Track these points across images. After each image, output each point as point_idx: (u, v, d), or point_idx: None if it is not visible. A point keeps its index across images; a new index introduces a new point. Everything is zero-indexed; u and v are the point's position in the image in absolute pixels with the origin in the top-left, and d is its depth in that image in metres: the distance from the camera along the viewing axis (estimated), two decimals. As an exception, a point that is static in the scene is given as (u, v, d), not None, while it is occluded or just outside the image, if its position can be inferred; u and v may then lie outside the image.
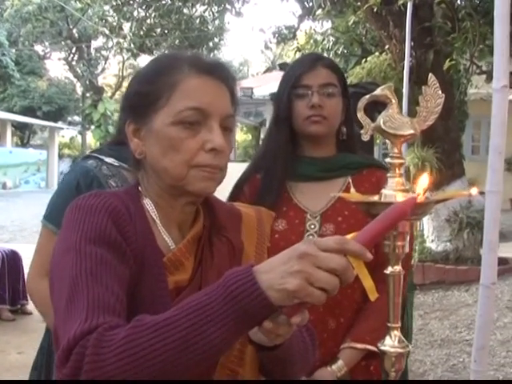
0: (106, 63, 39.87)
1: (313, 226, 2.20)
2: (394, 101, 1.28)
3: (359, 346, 2.12)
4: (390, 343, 1.25)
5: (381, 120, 1.27)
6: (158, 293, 1.30)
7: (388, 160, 1.28)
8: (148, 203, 1.40)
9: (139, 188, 1.44)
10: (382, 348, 1.25)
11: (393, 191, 1.24)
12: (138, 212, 1.36)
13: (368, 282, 1.11)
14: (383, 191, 1.25)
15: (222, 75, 1.39)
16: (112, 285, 1.19)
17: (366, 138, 1.30)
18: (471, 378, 2.85)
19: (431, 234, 9.22)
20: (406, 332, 2.47)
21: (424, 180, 1.15)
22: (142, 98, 1.38)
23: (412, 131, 1.26)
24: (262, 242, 1.55)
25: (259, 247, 1.53)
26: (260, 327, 1.12)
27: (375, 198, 1.28)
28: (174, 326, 1.06)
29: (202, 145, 1.33)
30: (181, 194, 1.38)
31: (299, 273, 1.04)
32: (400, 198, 1.21)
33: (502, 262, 7.80)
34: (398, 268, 1.24)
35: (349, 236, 1.11)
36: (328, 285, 1.05)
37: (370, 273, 1.12)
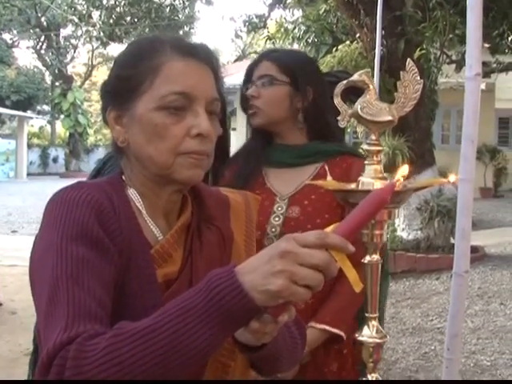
0: (75, 52, 39.41)
1: (280, 208, 2.26)
2: (371, 86, 1.26)
3: (318, 326, 2.15)
4: (368, 333, 1.23)
5: (358, 106, 1.24)
6: (146, 287, 1.25)
7: (365, 147, 1.25)
8: (133, 193, 1.36)
9: (123, 177, 1.39)
10: (360, 338, 1.23)
11: (371, 179, 1.22)
12: (122, 203, 1.31)
13: (352, 274, 1.08)
14: (361, 179, 1.23)
15: (206, 57, 1.35)
16: (94, 287, 1.15)
17: (343, 124, 1.28)
18: (444, 366, 2.85)
19: (402, 222, 9.29)
20: (380, 321, 2.48)
21: (404, 168, 1.13)
22: (124, 82, 1.33)
23: (390, 117, 1.24)
24: (250, 229, 1.52)
25: (248, 235, 1.50)
26: (246, 327, 1.09)
27: (352, 185, 1.25)
28: (156, 334, 1.03)
29: (187, 130, 1.29)
30: (167, 183, 1.34)
31: (282, 272, 1.01)
32: (378, 185, 1.19)
33: (473, 250, 7.89)
34: (375, 257, 1.22)
35: (328, 228, 1.09)
36: (312, 281, 1.03)
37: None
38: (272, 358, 1.30)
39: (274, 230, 2.21)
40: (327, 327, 2.14)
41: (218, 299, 1.03)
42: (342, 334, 2.16)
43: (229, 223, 1.47)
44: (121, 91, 1.33)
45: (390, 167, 7.99)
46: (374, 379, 1.23)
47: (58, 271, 1.14)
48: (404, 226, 9.28)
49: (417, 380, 5.13)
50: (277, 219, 2.23)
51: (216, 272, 1.07)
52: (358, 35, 9.40)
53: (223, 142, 2.49)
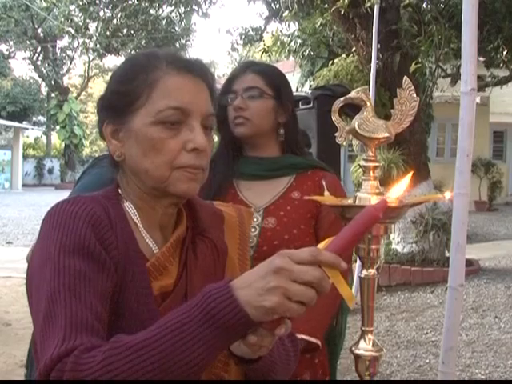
0: (71, 63, 39.48)
1: (255, 220, 2.29)
2: (368, 104, 1.28)
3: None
4: (364, 347, 1.24)
5: (355, 123, 1.26)
6: (142, 299, 1.27)
7: (362, 163, 1.27)
8: (129, 206, 1.38)
9: (119, 191, 1.41)
10: (357, 352, 1.24)
11: (367, 194, 1.24)
12: (118, 216, 1.33)
13: (345, 290, 1.11)
14: (358, 194, 1.25)
15: (201, 72, 1.37)
16: (91, 301, 1.16)
17: (340, 140, 1.30)
18: (439, 379, 2.86)
19: (397, 235, 9.29)
20: (340, 332, 2.53)
21: (401, 184, 1.15)
22: (120, 97, 1.35)
23: (387, 134, 1.26)
24: (244, 243, 1.54)
25: (242, 248, 1.52)
26: (243, 340, 1.11)
27: (349, 201, 1.27)
28: (152, 348, 1.04)
29: (183, 145, 1.31)
30: (163, 196, 1.35)
31: (276, 289, 1.04)
32: (374, 201, 1.20)
33: (468, 263, 7.89)
34: (372, 271, 1.23)
35: (321, 244, 1.12)
36: (305, 298, 1.05)
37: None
38: (267, 370, 1.32)
39: (250, 240, 2.23)
40: (305, 336, 2.15)
41: (213, 314, 1.05)
42: (319, 342, 2.19)
43: (223, 236, 1.49)
44: (117, 106, 1.35)
45: (386, 180, 8.03)
46: (370, 392, 1.25)
47: (56, 284, 1.16)
48: (399, 239, 9.29)
49: (415, 380, 5.14)
50: (253, 230, 2.25)
51: (212, 287, 1.08)
52: (353, 49, 9.44)
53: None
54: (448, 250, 8.38)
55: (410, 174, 1.26)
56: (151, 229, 1.38)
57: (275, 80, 2.38)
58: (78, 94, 40.26)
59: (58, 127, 35.53)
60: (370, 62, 7.84)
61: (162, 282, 1.32)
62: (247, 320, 1.05)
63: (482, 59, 12.95)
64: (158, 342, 1.05)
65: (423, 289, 8.33)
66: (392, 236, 9.27)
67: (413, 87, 1.28)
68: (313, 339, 2.17)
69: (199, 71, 1.37)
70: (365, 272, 1.23)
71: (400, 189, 1.18)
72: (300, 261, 1.06)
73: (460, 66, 2.79)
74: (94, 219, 1.26)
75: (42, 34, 35.59)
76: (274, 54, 12.76)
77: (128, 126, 1.34)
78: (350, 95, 1.28)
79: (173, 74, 1.33)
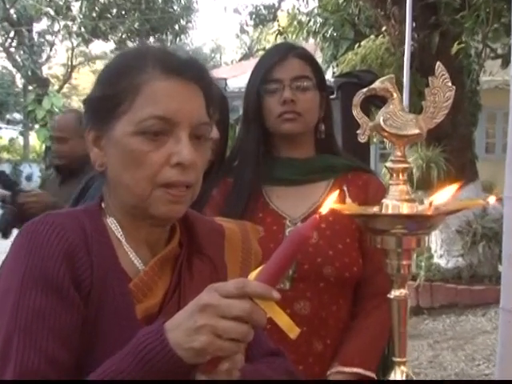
0: (51, 50, 39.53)
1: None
2: (395, 95, 1.28)
3: (347, 369, 2.19)
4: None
5: (381, 118, 1.27)
6: (124, 323, 1.32)
7: (389, 164, 1.28)
8: (112, 222, 1.42)
9: (102, 205, 1.45)
10: (387, 387, 1.25)
11: (396, 201, 1.25)
12: (98, 234, 1.37)
13: (283, 320, 1.17)
14: (385, 201, 1.26)
15: (195, 75, 1.40)
16: (47, 345, 1.24)
17: (363, 138, 1.31)
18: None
19: (440, 247, 9.25)
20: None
21: (446, 192, 1.16)
22: (103, 102, 1.39)
23: (417, 130, 1.27)
24: (247, 261, 1.58)
25: (244, 268, 1.56)
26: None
27: (375, 209, 1.28)
28: None
29: (167, 158, 1.34)
30: (144, 217, 1.39)
31: (203, 327, 1.12)
32: (405, 209, 1.22)
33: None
34: (403, 291, 1.25)
35: (252, 274, 1.18)
36: (237, 334, 1.13)
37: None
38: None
39: None
40: (360, 370, 2.17)
41: (146, 360, 1.15)
42: (374, 376, 2.21)
43: (223, 254, 1.54)
44: (100, 111, 1.40)
45: (424, 183, 8.01)
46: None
47: (13, 324, 1.24)
48: (442, 252, 9.25)
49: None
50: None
51: (145, 330, 1.18)
52: (384, 28, 9.43)
53: (221, 157, 2.53)
54: (502, 263, 8.36)
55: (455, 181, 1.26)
56: (138, 245, 1.42)
57: (319, 67, 2.41)
58: (61, 87, 40.30)
59: (36, 126, 35.59)
60: (404, 44, 7.84)
61: (146, 303, 1.37)
62: (181, 364, 1.14)
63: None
64: None
65: (473, 311, 8.30)
66: (434, 248, 9.24)
67: (447, 74, 1.28)
68: (368, 373, 2.19)
69: (192, 74, 1.39)
70: (395, 292, 1.25)
71: (445, 196, 1.20)
72: (227, 294, 1.13)
73: None
74: (66, 245, 1.30)
75: (15, 16, 35.73)
76: (290, 35, 12.77)
77: (110, 134, 1.38)
78: (373, 86, 1.29)
79: (160, 77, 1.36)
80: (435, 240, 9.18)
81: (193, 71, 1.40)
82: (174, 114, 1.34)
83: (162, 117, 1.34)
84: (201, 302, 1.14)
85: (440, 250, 9.29)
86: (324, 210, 1.19)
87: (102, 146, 1.40)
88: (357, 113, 1.31)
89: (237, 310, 1.12)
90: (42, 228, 1.31)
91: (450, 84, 1.29)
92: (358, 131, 1.31)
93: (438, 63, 1.30)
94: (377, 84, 1.29)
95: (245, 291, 1.13)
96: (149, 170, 1.34)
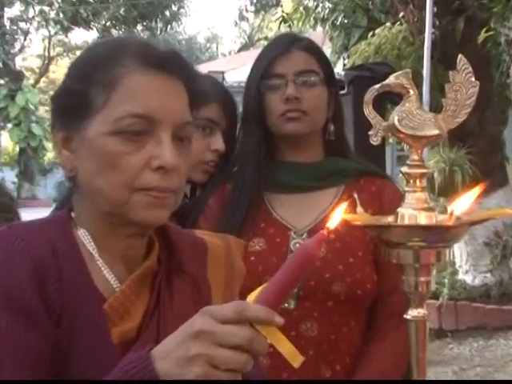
0: (25, 40, 39.53)
1: (298, 246, 2.26)
2: (412, 92, 1.29)
3: None
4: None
5: (395, 117, 1.28)
6: (99, 349, 1.32)
7: (405, 169, 1.29)
8: (83, 234, 1.42)
9: (72, 214, 1.45)
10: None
11: (413, 210, 1.25)
12: (68, 248, 1.37)
13: (286, 348, 1.16)
14: (400, 210, 1.26)
15: (178, 69, 1.40)
16: (7, 373, 1.22)
17: (376, 141, 1.31)
18: None
19: (465, 262, 9.23)
20: None
21: (468, 197, 1.17)
22: (74, 98, 1.39)
23: (436, 131, 1.27)
24: (231, 279, 1.60)
25: (228, 286, 1.58)
26: None
27: (389, 219, 1.29)
28: None
29: (147, 161, 1.35)
30: (122, 224, 1.39)
31: (198, 357, 1.11)
32: (423, 219, 1.22)
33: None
34: (421, 311, 1.25)
35: (252, 295, 1.18)
36: (236, 364, 1.12)
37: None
38: None
39: None
40: None
41: None
42: None
43: (205, 271, 1.55)
44: (70, 108, 1.40)
45: (447, 189, 7.99)
46: None
47: None
48: (468, 268, 9.23)
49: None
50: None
51: (130, 358, 1.16)
52: (401, 14, 9.43)
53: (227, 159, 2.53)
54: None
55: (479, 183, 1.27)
56: (113, 261, 1.42)
57: (327, 60, 2.43)
58: (37, 81, 40.32)
59: (9, 125, 35.61)
60: (424, 32, 7.83)
61: (123, 326, 1.37)
62: None
63: None
64: None
65: (504, 334, 8.27)
66: (458, 263, 9.23)
67: (470, 68, 1.29)
68: None
69: (174, 68, 1.40)
70: (412, 312, 1.25)
71: (467, 203, 1.21)
72: (224, 319, 1.13)
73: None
74: (34, 260, 1.30)
75: (-17, 1, 35.77)
76: (295, 23, 12.79)
77: (82, 134, 1.38)
78: (386, 81, 1.29)
79: (139, 71, 1.37)
80: (460, 254, 9.14)
81: (175, 65, 1.40)
82: (155, 111, 1.35)
83: (142, 115, 1.34)
84: (194, 328, 1.13)
85: (465, 265, 9.26)
86: (332, 224, 1.19)
87: (72, 148, 1.40)
88: (369, 112, 1.31)
89: (236, 338, 1.11)
90: (8, 240, 1.31)
91: (473, 79, 1.29)
92: (369, 132, 1.32)
93: (460, 56, 1.30)
94: (391, 79, 1.30)
95: (245, 316, 1.12)
96: (127, 174, 1.34)
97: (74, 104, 1.38)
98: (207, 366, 1.10)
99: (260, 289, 1.18)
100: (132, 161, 1.34)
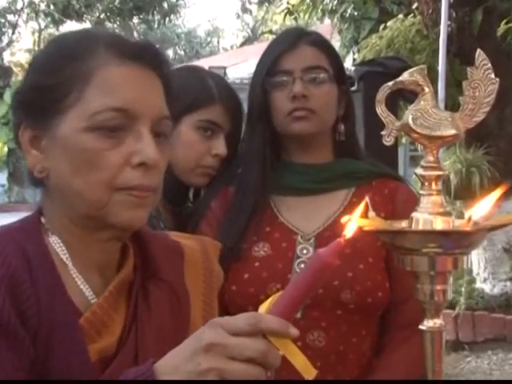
0: (13, 33, 39.54)
1: (305, 252, 2.29)
2: (427, 89, 1.29)
3: None
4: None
5: (410, 116, 1.28)
6: (76, 368, 1.31)
7: (419, 171, 1.29)
8: (55, 241, 1.40)
9: (42, 220, 1.44)
10: None
11: (428, 215, 1.25)
12: (39, 257, 1.35)
13: (300, 361, 1.17)
14: (415, 215, 1.27)
15: (153, 62, 1.41)
16: None
17: (389, 141, 1.31)
18: None
19: (483, 270, 9.21)
20: None
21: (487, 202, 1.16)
22: (43, 93, 1.37)
23: (453, 131, 1.27)
24: (210, 286, 1.59)
25: (207, 293, 1.58)
26: None
27: (403, 224, 1.29)
28: None
29: (127, 158, 1.34)
30: (100, 228, 1.38)
31: (210, 372, 1.11)
32: (439, 224, 1.23)
33: None
34: (438, 322, 1.25)
35: (264, 305, 1.18)
36: (249, 377, 1.12)
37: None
38: None
39: None
40: None
41: None
42: None
43: (183, 278, 1.54)
44: (39, 104, 1.38)
45: (464, 191, 7.97)
46: None
47: None
48: (486, 275, 9.21)
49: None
50: (303, 266, 2.24)
51: (131, 372, 1.16)
52: (415, 5, 9.42)
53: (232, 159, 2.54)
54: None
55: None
56: (87, 270, 1.41)
57: (336, 55, 2.44)
58: (26, 77, 40.25)
59: (-3, 125, 35.61)
60: (439, 24, 7.81)
61: (101, 343, 1.36)
62: None
63: None
64: None
65: (525, 346, 8.26)
66: (475, 270, 9.21)
67: (489, 64, 1.28)
68: None
69: (150, 60, 1.40)
70: (428, 323, 1.26)
71: (486, 207, 1.21)
72: (236, 331, 1.13)
73: None
74: (10, 277, 1.28)
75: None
76: (301, 15, 12.77)
77: (53, 132, 1.36)
78: (400, 78, 1.29)
79: (114, 63, 1.36)
80: (477, 260, 9.12)
81: (151, 56, 1.41)
82: (134, 105, 1.35)
83: (120, 108, 1.34)
84: (204, 341, 1.13)
85: (484, 273, 9.24)
86: (349, 232, 1.19)
87: (41, 148, 1.39)
88: (381, 111, 1.31)
89: (250, 351, 1.12)
90: None
91: (492, 76, 1.28)
92: (382, 132, 1.32)
93: (479, 51, 1.30)
94: (405, 76, 1.30)
95: (259, 328, 1.13)
96: (106, 173, 1.33)
97: (43, 100, 1.37)
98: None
99: (271, 299, 1.18)
100: (111, 158, 1.33)
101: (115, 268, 1.45)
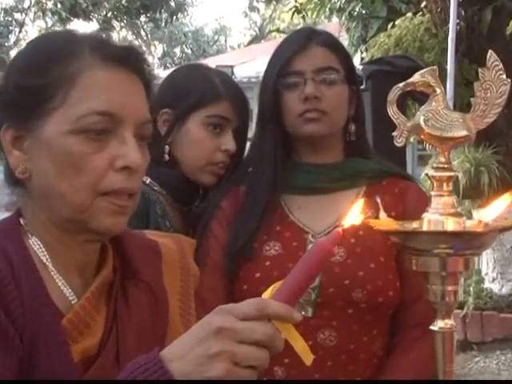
0: (20, 32, 39.55)
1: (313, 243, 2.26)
2: (438, 90, 1.29)
3: None
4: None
5: (421, 117, 1.28)
6: (59, 368, 1.32)
7: (431, 173, 1.29)
8: (35, 243, 1.41)
9: (21, 221, 1.44)
10: None
11: (439, 215, 1.26)
12: (20, 259, 1.35)
13: (300, 345, 1.20)
14: (426, 216, 1.27)
15: (137, 66, 1.42)
16: None
17: (400, 142, 1.32)
18: None
19: (492, 270, 9.19)
20: None
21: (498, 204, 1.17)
22: (27, 94, 1.37)
23: (465, 132, 1.28)
24: (187, 284, 1.61)
25: (184, 292, 1.59)
26: None
27: (414, 224, 1.30)
28: None
29: (111, 161, 1.35)
30: (81, 231, 1.39)
31: (220, 355, 1.13)
32: (451, 225, 1.23)
33: None
34: (449, 323, 1.26)
35: (267, 292, 1.21)
36: (257, 361, 1.15)
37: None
38: None
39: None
40: None
41: None
42: None
43: (161, 277, 1.55)
44: (23, 105, 1.38)
45: (472, 191, 7.96)
46: None
47: None
48: (495, 275, 9.20)
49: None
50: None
51: (137, 362, 1.17)
52: (423, 4, 9.40)
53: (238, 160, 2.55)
54: None
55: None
56: (67, 271, 1.41)
57: (347, 55, 2.44)
58: (33, 76, 40.21)
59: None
60: (448, 23, 7.79)
61: (83, 343, 1.37)
62: None
63: None
64: None
65: (535, 347, 8.24)
66: (484, 271, 9.20)
67: (501, 65, 1.29)
68: None
69: (133, 64, 1.41)
70: (439, 323, 1.26)
71: (499, 210, 1.21)
72: (244, 316, 1.15)
73: None
74: None
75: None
76: (309, 14, 12.75)
77: (37, 134, 1.37)
78: (411, 79, 1.30)
79: (99, 66, 1.37)
80: (486, 260, 9.11)
81: (134, 61, 1.42)
82: (119, 109, 1.36)
83: (105, 112, 1.34)
84: (214, 326, 1.15)
85: (492, 273, 9.23)
86: (346, 222, 1.22)
87: (24, 149, 1.39)
88: (393, 112, 1.32)
89: (258, 334, 1.14)
90: None
91: (504, 77, 1.29)
92: (393, 133, 1.32)
93: (490, 52, 1.30)
94: (416, 77, 1.30)
95: (266, 313, 1.16)
96: (91, 176, 1.34)
97: (27, 101, 1.37)
98: (230, 364, 1.13)
99: (273, 286, 1.21)
100: (96, 161, 1.34)
101: (94, 269, 1.47)
